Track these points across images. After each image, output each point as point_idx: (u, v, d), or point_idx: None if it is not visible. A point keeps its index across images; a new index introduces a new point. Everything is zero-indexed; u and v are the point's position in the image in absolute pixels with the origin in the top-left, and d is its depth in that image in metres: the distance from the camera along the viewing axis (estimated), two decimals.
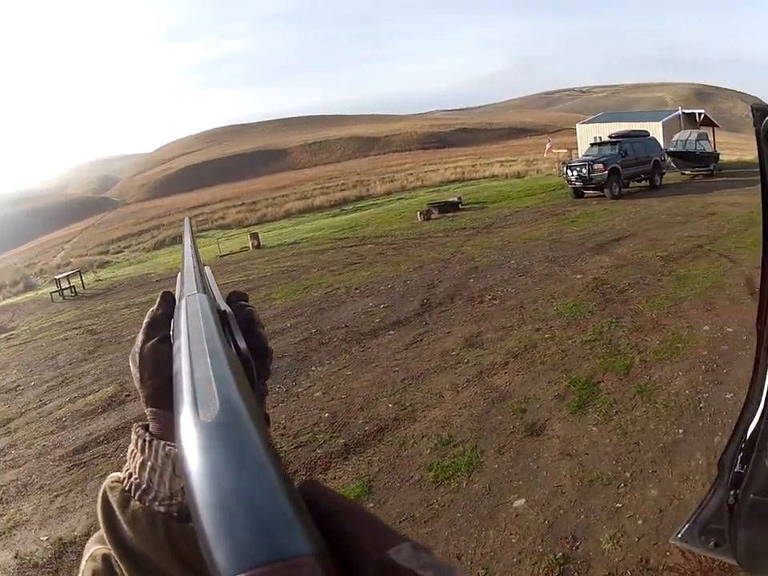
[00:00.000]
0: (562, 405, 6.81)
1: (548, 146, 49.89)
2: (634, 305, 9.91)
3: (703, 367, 7.28)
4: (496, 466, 5.76)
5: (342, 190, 51.72)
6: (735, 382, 6.58)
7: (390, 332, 10.21)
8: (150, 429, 0.80)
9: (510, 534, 4.84)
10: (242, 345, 0.80)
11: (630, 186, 26.83)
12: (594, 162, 24.90)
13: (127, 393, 9.11)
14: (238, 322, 0.84)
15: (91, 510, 5.87)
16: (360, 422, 7.09)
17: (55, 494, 6.61)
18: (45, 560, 5.49)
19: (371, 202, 42.05)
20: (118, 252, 42.64)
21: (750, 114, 2.52)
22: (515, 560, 4.54)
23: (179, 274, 1.00)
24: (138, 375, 0.84)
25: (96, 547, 0.77)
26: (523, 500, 5.21)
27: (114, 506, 0.73)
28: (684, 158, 30.09)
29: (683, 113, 42.80)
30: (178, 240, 40.02)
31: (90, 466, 7.05)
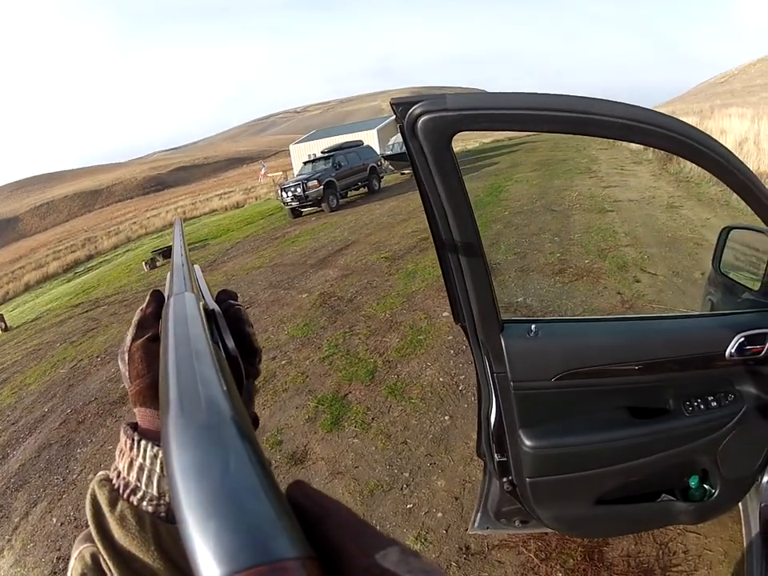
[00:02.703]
0: (316, 426, 6.55)
1: (262, 171, 50.67)
2: (365, 310, 9.89)
3: (452, 351, 7.36)
4: None
5: (72, 251, 50.79)
6: None
7: None
8: (139, 428, 0.77)
9: None
10: (230, 344, 0.81)
11: (349, 195, 27.75)
12: (308, 179, 25.24)
13: None
14: (227, 320, 0.86)
15: None
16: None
17: None
18: None
19: (101, 259, 40.83)
20: None
21: (393, 111, 2.36)
22: None
23: (168, 273, 0.97)
24: (127, 374, 0.81)
25: (84, 546, 0.72)
26: None
27: (103, 504, 0.71)
28: (402, 158, 31.51)
29: None
30: None
31: None
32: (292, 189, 25.28)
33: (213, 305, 0.88)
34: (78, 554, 0.72)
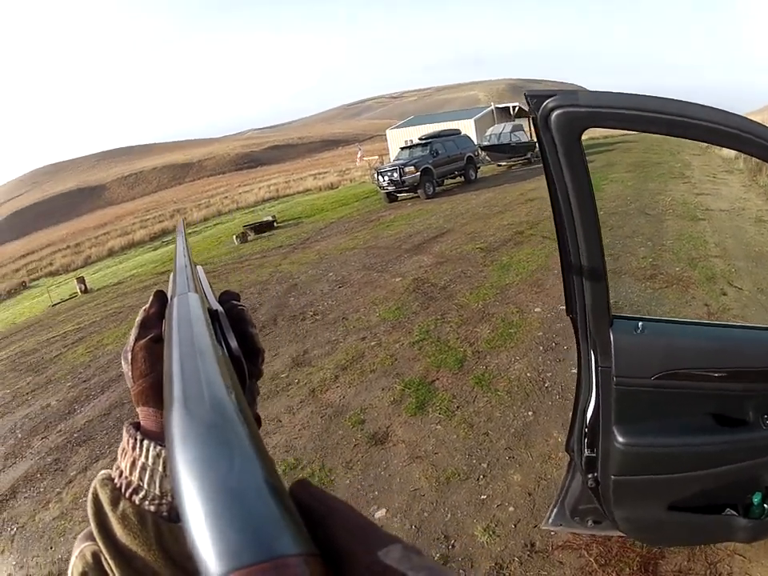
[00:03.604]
0: (400, 409, 6.60)
1: (359, 154, 50.60)
2: (458, 299, 9.88)
3: (541, 348, 7.30)
4: (348, 481, 5.50)
5: (160, 221, 51.12)
6: None
7: None
8: (142, 428, 0.78)
9: None
10: (234, 344, 0.81)
11: (445, 183, 27.57)
12: (405, 165, 25.21)
13: None
14: (230, 321, 0.86)
15: None
16: None
17: None
18: None
19: (189, 230, 40.44)
20: None
21: (526, 102, 2.44)
22: None
23: (171, 274, 0.99)
24: (130, 374, 0.82)
25: (86, 544, 0.74)
26: (384, 510, 5.02)
27: (105, 503, 0.72)
28: (499, 150, 31.42)
29: (496, 108, 44.33)
30: (12, 293, 38.12)
31: None
32: (389, 173, 25.31)
33: (216, 305, 0.91)
34: (79, 552, 0.74)
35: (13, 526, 6.40)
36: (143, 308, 0.88)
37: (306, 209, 32.46)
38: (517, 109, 44.87)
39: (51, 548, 5.69)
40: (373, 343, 8.71)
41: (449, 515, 4.72)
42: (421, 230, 17.27)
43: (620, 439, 2.85)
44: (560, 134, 2.39)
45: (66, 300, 23.72)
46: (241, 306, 0.96)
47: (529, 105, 2.41)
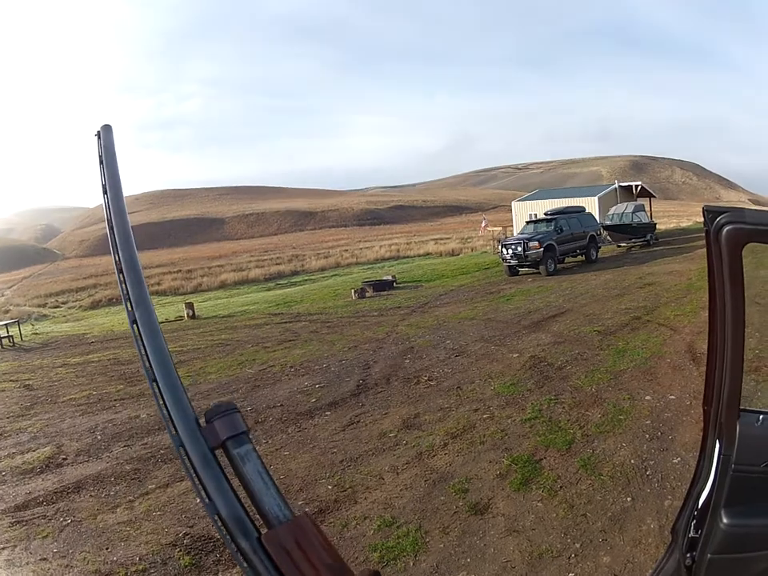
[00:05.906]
0: (504, 483, 6.71)
1: (483, 223, 50.80)
2: (573, 381, 9.92)
3: (647, 436, 7.33)
4: (442, 545, 5.61)
5: (277, 263, 51.79)
6: (682, 446, 6.72)
7: (327, 412, 9.94)
8: None
9: None
10: None
11: (566, 261, 27.49)
12: (530, 239, 25.44)
13: (64, 456, 8.77)
14: None
15: (38, 568, 5.82)
16: (300, 503, 6.75)
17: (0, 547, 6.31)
18: None
19: (306, 278, 42.21)
20: (55, 307, 42.00)
21: (703, 216, 2.63)
22: None
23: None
24: None
25: None
26: None
27: None
28: (620, 230, 31.36)
29: (620, 186, 44.02)
30: (114, 301, 39.55)
31: (32, 525, 6.74)
32: (513, 247, 25.56)
33: None
34: None
35: (67, 518, 6.73)
36: None
37: (426, 272, 32.79)
38: (639, 188, 44.43)
39: (107, 549, 5.94)
40: (485, 416, 8.81)
41: None
42: (540, 307, 17.40)
43: (725, 520, 2.95)
44: (726, 246, 2.59)
45: (171, 321, 24.58)
46: None
47: (704, 218, 2.63)
